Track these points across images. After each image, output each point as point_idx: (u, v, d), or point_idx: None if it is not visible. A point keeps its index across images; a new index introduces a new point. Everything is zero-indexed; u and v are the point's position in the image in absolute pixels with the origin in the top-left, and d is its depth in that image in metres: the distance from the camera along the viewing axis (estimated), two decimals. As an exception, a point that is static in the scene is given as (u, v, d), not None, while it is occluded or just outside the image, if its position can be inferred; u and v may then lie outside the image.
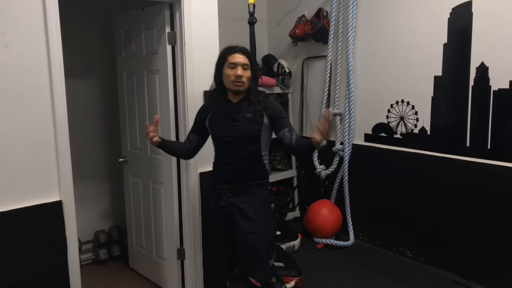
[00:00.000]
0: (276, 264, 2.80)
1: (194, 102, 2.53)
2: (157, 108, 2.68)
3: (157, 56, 2.61)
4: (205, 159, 2.61)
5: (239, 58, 2.08)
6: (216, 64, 2.14)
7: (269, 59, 4.05)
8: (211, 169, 2.63)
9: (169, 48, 2.52)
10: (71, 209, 2.10)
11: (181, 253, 2.71)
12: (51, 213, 2.01)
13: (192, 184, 2.58)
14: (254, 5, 2.82)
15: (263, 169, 2.20)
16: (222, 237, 2.21)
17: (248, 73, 2.08)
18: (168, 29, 2.52)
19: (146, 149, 2.83)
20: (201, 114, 2.25)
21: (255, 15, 4.03)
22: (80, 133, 3.24)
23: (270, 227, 2.19)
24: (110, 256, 3.33)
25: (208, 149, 2.61)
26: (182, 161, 2.61)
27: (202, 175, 2.61)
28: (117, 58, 3.01)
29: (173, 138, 2.61)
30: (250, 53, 2.15)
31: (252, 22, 2.82)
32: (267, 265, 2.17)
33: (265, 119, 2.12)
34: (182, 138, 2.57)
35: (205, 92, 2.57)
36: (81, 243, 3.18)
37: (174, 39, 2.51)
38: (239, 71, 2.04)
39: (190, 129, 2.50)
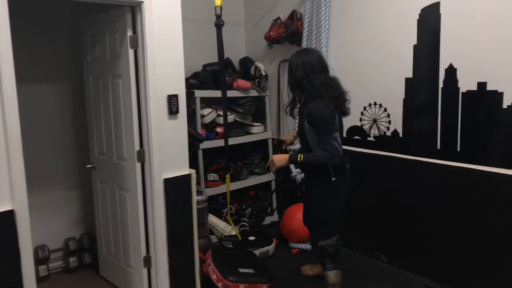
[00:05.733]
0: (246, 271, 2.77)
1: (157, 106, 2.48)
2: (121, 113, 2.62)
3: (120, 60, 2.56)
4: (169, 165, 2.57)
5: None
6: None
7: (246, 62, 4.02)
8: (176, 175, 2.60)
9: (131, 52, 2.47)
10: (24, 219, 2.04)
11: (147, 261, 2.65)
12: (2, 222, 1.95)
13: (156, 191, 2.53)
14: (221, 8, 2.77)
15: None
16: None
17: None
18: (130, 33, 2.46)
19: (112, 155, 2.77)
20: None
21: (232, 17, 4.05)
22: (50, 139, 3.18)
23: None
24: (80, 264, 3.26)
25: (172, 153, 2.58)
26: (146, 167, 2.55)
27: (167, 181, 2.55)
28: (83, 62, 2.96)
29: (136, 146, 2.55)
30: (292, 57, 2.42)
31: (219, 25, 2.77)
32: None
33: (306, 122, 2.32)
34: (145, 145, 2.52)
35: (169, 97, 2.52)
36: (49, 251, 3.14)
37: (136, 43, 2.45)
38: None
39: (151, 134, 2.48)
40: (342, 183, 2.37)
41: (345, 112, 2.46)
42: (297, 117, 2.66)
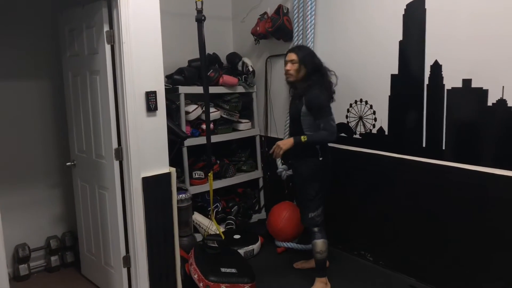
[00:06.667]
0: (228, 270, 2.73)
1: (134, 103, 2.42)
2: (99, 110, 2.56)
3: (97, 56, 2.49)
4: (148, 163, 2.52)
5: (289, 56, 2.71)
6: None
7: (234, 58, 3.95)
8: (155, 173, 2.55)
9: (108, 47, 2.41)
10: (-5, 219, 1.99)
11: (127, 261, 2.61)
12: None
13: (135, 190, 2.47)
14: (202, 2, 2.70)
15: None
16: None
17: (295, 66, 2.66)
18: (106, 28, 2.40)
19: (91, 153, 2.72)
20: None
21: (220, 11, 3.98)
22: (32, 136, 3.12)
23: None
24: (63, 263, 3.21)
25: (151, 151, 2.53)
26: (124, 166, 2.50)
27: (146, 180, 2.50)
28: (62, 58, 2.89)
29: (114, 144, 2.49)
30: (300, 49, 2.74)
31: (200, 20, 2.70)
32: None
33: (303, 107, 2.62)
34: (123, 143, 2.47)
35: (147, 93, 2.46)
36: (30, 250, 3.09)
37: (113, 38, 2.39)
38: (287, 66, 2.70)
39: (128, 131, 2.43)
40: (327, 162, 2.74)
41: (331, 98, 2.79)
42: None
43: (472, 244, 2.52)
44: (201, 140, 3.48)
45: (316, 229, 2.76)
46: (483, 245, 2.47)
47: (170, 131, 2.93)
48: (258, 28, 3.60)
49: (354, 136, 3.12)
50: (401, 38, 2.74)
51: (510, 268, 2.36)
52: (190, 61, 3.64)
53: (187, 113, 3.45)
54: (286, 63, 2.73)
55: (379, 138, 2.96)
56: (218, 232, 3.08)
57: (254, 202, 4.03)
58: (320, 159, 2.68)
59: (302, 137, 2.60)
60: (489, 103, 2.35)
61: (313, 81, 2.65)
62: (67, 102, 2.93)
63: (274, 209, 3.52)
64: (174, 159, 3.09)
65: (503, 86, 2.28)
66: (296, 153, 2.76)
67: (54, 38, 3.03)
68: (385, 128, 2.91)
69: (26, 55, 3.01)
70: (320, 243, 2.74)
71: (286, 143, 2.64)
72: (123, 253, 2.61)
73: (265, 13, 3.63)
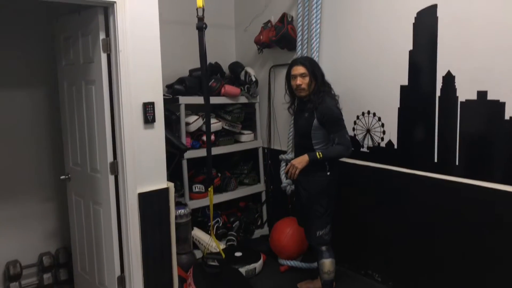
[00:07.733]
0: (228, 291, 2.58)
1: (131, 115, 2.30)
2: (94, 122, 2.44)
3: (93, 65, 2.38)
4: (145, 178, 2.39)
5: (297, 69, 2.55)
6: (285, 78, 2.68)
7: (236, 67, 3.84)
8: (153, 188, 2.42)
9: (104, 56, 2.29)
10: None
11: (121, 281, 2.46)
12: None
13: (130, 206, 2.34)
14: (203, 9, 2.59)
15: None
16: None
17: (306, 80, 2.53)
18: (102, 36, 2.28)
19: (86, 166, 2.59)
20: None
21: (222, 20, 3.89)
22: (26, 148, 3.00)
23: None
24: (56, 281, 3.07)
25: (148, 165, 2.40)
26: (119, 180, 2.37)
27: (142, 196, 2.36)
28: (58, 67, 2.78)
29: (109, 157, 2.36)
30: (308, 62, 2.59)
31: (201, 28, 2.59)
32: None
33: (315, 121, 2.50)
34: (119, 156, 2.34)
35: (144, 104, 2.34)
36: (21, 267, 2.94)
37: (109, 47, 2.28)
38: (298, 80, 2.53)
39: (124, 144, 2.30)
40: (334, 177, 2.60)
41: None
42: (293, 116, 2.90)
43: (482, 264, 2.36)
44: (202, 152, 3.34)
45: (324, 248, 2.63)
46: (490, 266, 2.31)
47: (169, 143, 2.82)
48: (261, 37, 3.49)
49: (362, 149, 2.99)
50: (411, 48, 2.61)
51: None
52: (191, 71, 3.53)
53: (187, 124, 3.33)
54: (294, 77, 2.56)
55: (388, 152, 2.82)
56: (218, 249, 2.93)
57: (256, 217, 3.88)
58: (328, 173, 2.55)
59: (317, 153, 2.46)
60: (507, 117, 2.22)
61: (324, 93, 2.55)
62: (62, 113, 2.81)
63: (277, 225, 3.37)
64: (174, 172, 2.97)
65: (521, 99, 2.15)
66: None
67: (50, 46, 2.92)
68: (394, 142, 2.78)
69: (20, 63, 2.91)
70: (328, 263, 2.62)
71: (302, 161, 2.48)
72: (117, 273, 2.46)
73: (269, 21, 3.52)
